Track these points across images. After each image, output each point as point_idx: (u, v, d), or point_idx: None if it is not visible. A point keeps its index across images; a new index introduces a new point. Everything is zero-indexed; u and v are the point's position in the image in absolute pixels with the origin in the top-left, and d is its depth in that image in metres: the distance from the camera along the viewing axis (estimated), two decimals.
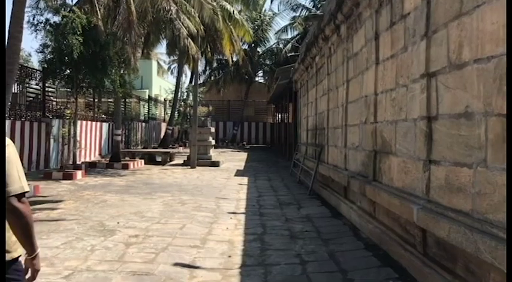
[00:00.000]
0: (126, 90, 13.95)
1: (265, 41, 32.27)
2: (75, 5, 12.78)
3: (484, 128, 2.90)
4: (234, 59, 25.66)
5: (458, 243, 3.01)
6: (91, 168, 13.49)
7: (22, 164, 1.86)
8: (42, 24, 10.95)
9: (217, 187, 10.41)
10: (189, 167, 15.17)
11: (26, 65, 18.21)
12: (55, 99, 14.49)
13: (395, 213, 4.54)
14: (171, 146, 23.92)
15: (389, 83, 5.01)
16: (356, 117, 6.51)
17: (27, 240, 1.79)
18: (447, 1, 3.51)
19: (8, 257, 1.73)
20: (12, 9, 8.47)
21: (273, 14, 32.14)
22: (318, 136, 10.31)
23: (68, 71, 11.65)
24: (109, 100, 18.12)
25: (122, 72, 12.78)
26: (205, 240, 5.33)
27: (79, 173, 11.30)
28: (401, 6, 4.66)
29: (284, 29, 29.71)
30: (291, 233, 5.85)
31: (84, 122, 15.18)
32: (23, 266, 1.84)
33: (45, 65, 11.61)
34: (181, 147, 24.41)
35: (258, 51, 32.55)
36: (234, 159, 19.04)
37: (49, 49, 11.10)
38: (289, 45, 28.19)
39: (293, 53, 24.23)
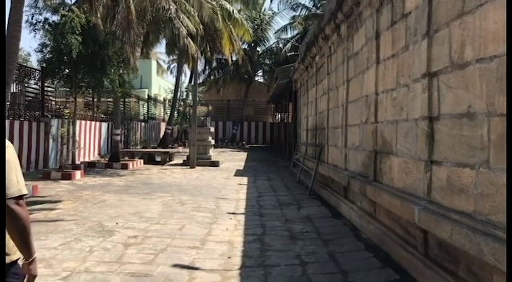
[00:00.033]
0: (125, 90, 13.92)
1: (265, 41, 32.25)
2: (74, 4, 12.73)
3: (487, 128, 2.86)
4: (234, 59, 25.64)
5: (461, 245, 2.97)
6: (90, 168, 13.45)
7: (21, 164, 1.85)
8: (41, 24, 10.92)
9: (217, 187, 10.37)
10: (189, 166, 15.14)
11: (25, 64, 18.15)
12: (54, 99, 14.45)
13: (396, 214, 4.50)
14: (170, 145, 23.90)
15: (390, 83, 4.98)
16: (356, 117, 6.47)
17: (24, 243, 1.76)
18: (449, 0, 3.47)
19: (7, 260, 1.72)
20: (11, 8, 8.44)
21: (273, 13, 32.15)
22: (318, 136, 10.27)
23: (67, 71, 11.61)
24: (108, 100, 18.09)
25: (121, 71, 12.74)
26: (204, 241, 5.30)
27: (78, 173, 11.27)
28: (402, 5, 4.63)
29: (284, 29, 29.69)
30: (291, 233, 5.81)
31: (83, 122, 15.14)
32: (22, 270, 1.81)
33: (44, 65, 11.58)
34: (180, 147, 24.38)
35: (258, 51, 32.51)
36: (233, 159, 19.01)
37: (48, 48, 11.08)
38: (289, 45, 28.16)
39: (293, 53, 24.21)
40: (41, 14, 11.19)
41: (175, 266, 4.30)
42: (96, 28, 11.36)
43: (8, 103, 10.05)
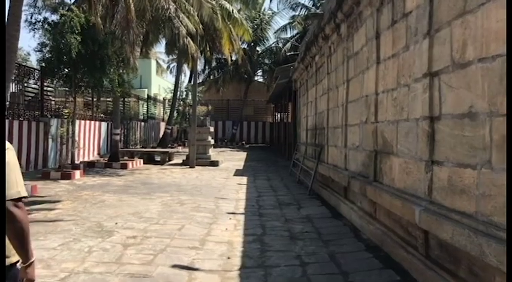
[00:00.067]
0: (124, 90, 13.89)
1: (265, 40, 32.22)
2: (73, 3, 12.71)
3: (489, 129, 2.84)
4: (233, 58, 25.59)
5: (462, 246, 2.95)
6: (89, 167, 13.43)
7: (20, 164, 1.84)
8: (40, 23, 10.90)
9: (217, 187, 10.35)
10: (188, 166, 15.11)
11: (24, 64, 18.12)
12: (53, 99, 14.42)
13: (396, 215, 4.48)
14: (170, 145, 23.88)
15: (390, 83, 4.95)
16: (356, 117, 6.45)
17: (22, 247, 1.74)
18: None
19: (7, 262, 1.70)
20: (10, 7, 8.40)
21: (273, 13, 32.10)
22: (318, 136, 10.25)
23: (67, 70, 11.59)
24: (108, 99, 18.06)
25: (120, 71, 12.72)
26: (204, 242, 5.27)
27: (77, 173, 11.24)
28: (403, 5, 4.60)
29: (283, 28, 29.64)
30: (290, 233, 5.79)
31: (82, 122, 15.11)
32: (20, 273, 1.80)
33: (44, 64, 11.55)
34: (180, 147, 24.36)
35: (258, 51, 32.49)
36: (233, 159, 18.99)
37: (47, 48, 11.05)
38: (288, 45, 28.14)
39: (292, 52, 24.21)
40: (40, 14, 11.19)
41: (175, 266, 4.27)
42: (96, 28, 11.33)
43: (8, 103, 10.01)
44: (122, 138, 18.68)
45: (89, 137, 15.87)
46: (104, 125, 17.30)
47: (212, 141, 17.25)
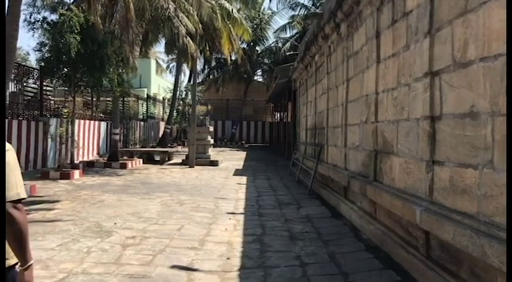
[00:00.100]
0: (124, 89, 13.87)
1: (264, 40, 32.20)
2: (72, 3, 12.68)
3: (491, 128, 2.82)
4: (233, 58, 25.57)
5: (464, 246, 2.93)
6: (89, 167, 13.40)
7: (19, 164, 1.81)
8: (40, 23, 10.86)
9: (216, 187, 10.33)
10: (188, 166, 15.09)
11: (24, 63, 18.09)
12: (53, 98, 14.39)
13: (397, 215, 4.46)
14: (169, 145, 23.84)
15: (390, 82, 4.93)
16: (356, 117, 6.43)
17: (20, 249, 1.72)
18: None
19: (6, 264, 1.68)
20: (8, 6, 8.37)
21: (272, 13, 32.09)
22: (318, 135, 10.23)
23: (66, 70, 11.55)
24: (107, 99, 18.02)
25: (120, 70, 12.69)
26: (203, 242, 5.25)
27: (76, 173, 11.21)
28: (403, 4, 4.58)
29: (283, 28, 29.63)
30: (290, 234, 5.77)
31: (82, 121, 15.08)
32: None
33: (43, 64, 11.52)
34: (179, 147, 24.32)
35: (257, 50, 32.48)
36: (232, 159, 18.96)
37: (46, 48, 11.01)
38: (288, 44, 28.13)
39: (292, 52, 24.18)
40: (39, 13, 11.15)
41: (174, 267, 4.25)
42: (95, 27, 11.30)
43: (7, 102, 9.99)
44: (122, 138, 18.64)
45: (88, 137, 15.84)
46: (103, 124, 17.27)
47: (212, 141, 17.22)
